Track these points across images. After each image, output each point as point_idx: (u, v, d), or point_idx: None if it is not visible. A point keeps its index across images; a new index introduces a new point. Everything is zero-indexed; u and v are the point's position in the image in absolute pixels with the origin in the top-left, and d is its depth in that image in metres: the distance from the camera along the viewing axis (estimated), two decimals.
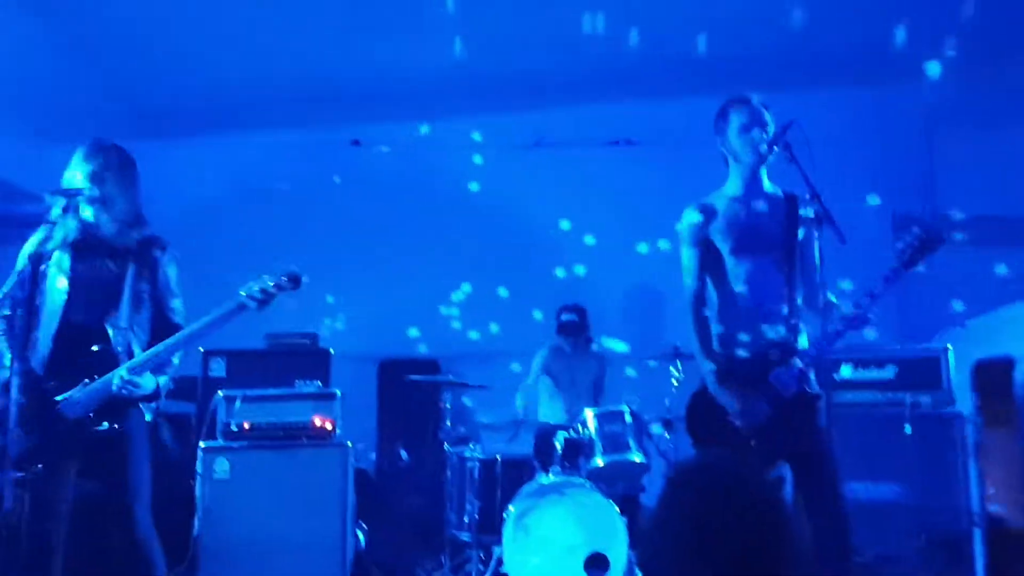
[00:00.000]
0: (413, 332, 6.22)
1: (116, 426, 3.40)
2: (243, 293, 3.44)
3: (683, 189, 3.61)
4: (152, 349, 3.45)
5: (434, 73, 6.22)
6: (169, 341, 3.45)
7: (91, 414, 3.37)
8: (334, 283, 6.64)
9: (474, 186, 6.92)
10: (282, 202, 6.93)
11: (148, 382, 3.45)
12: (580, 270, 6.79)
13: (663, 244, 5.83)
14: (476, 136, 6.96)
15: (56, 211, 3.42)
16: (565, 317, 6.06)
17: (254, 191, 6.90)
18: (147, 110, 6.83)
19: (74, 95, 6.48)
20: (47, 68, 6.15)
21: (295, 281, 3.48)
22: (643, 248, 6.42)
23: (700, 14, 5.74)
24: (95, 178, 3.46)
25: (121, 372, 3.37)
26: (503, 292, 6.75)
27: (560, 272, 6.81)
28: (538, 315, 6.56)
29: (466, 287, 6.85)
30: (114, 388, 3.36)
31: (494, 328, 6.78)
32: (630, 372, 6.17)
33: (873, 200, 6.02)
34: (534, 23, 5.84)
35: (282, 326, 5.72)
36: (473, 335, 6.32)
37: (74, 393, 3.38)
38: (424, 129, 6.93)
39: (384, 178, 6.99)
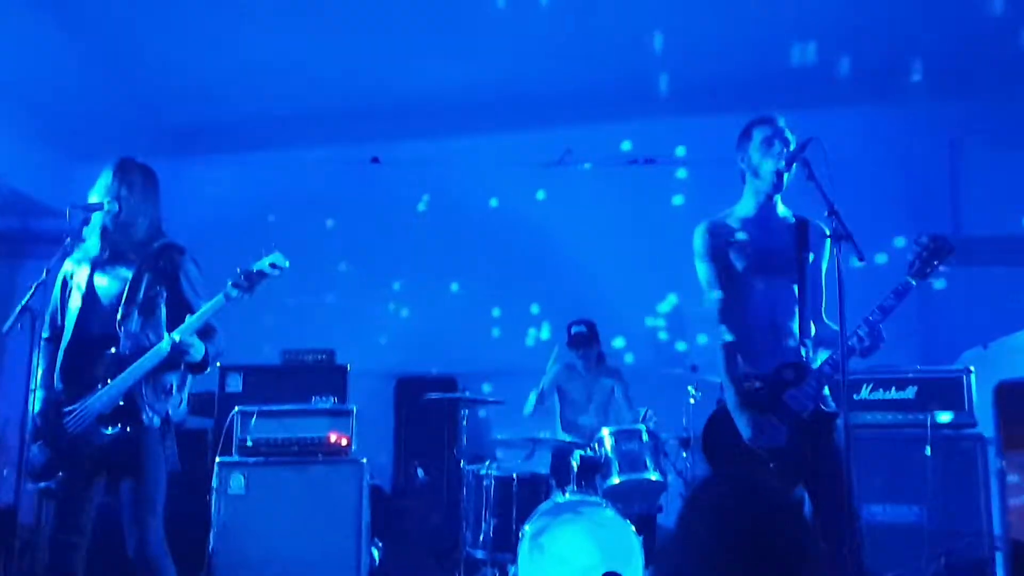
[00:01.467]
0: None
1: (128, 429, 3.39)
2: (230, 283, 3.44)
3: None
4: (197, 313, 3.44)
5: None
6: (204, 308, 3.44)
7: (98, 422, 3.37)
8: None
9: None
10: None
11: (200, 346, 3.45)
12: None
13: None
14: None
15: (78, 226, 3.51)
16: (575, 330, 5.94)
17: (282, 207, 6.90)
18: (172, 129, 6.89)
19: (101, 114, 6.56)
20: (76, 86, 6.24)
21: (277, 267, 3.48)
22: None
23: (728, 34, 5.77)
24: (118, 195, 3.52)
25: (173, 335, 3.39)
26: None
27: None
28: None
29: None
30: (166, 348, 3.37)
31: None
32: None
33: (899, 241, 5.94)
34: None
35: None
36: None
37: (80, 404, 3.39)
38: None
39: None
